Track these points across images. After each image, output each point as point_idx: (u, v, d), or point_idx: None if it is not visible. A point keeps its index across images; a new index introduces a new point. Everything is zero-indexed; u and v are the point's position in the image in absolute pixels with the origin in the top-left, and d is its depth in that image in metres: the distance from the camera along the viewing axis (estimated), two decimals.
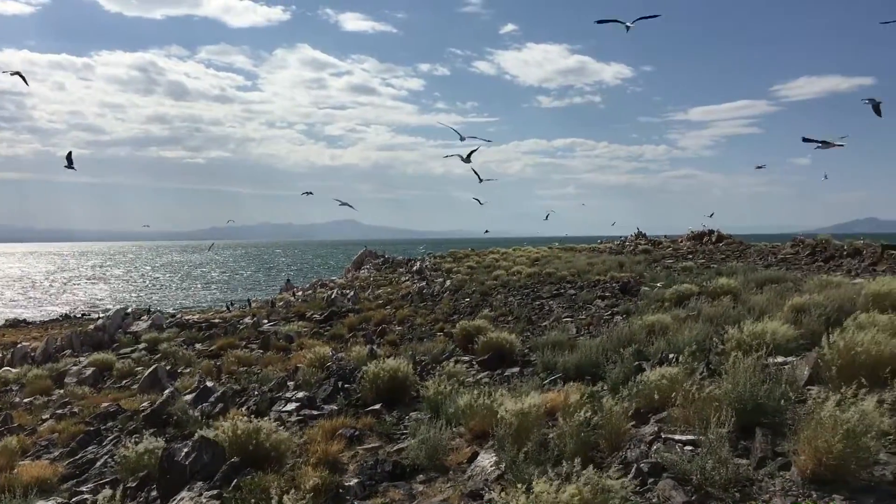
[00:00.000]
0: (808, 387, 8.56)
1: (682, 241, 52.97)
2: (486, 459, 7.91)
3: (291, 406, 12.89)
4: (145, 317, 33.35)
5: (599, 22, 17.11)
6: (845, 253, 32.37)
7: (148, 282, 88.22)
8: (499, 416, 8.06)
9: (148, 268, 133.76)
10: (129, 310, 35.22)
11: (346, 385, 14.05)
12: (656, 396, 8.32)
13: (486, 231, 60.63)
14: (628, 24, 16.06)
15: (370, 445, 9.97)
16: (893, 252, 29.98)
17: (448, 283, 35.68)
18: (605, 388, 10.68)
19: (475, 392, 9.65)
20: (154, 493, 9.06)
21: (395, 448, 9.67)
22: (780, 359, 9.81)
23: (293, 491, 6.71)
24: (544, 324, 21.97)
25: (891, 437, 6.37)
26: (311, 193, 30.13)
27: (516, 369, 14.91)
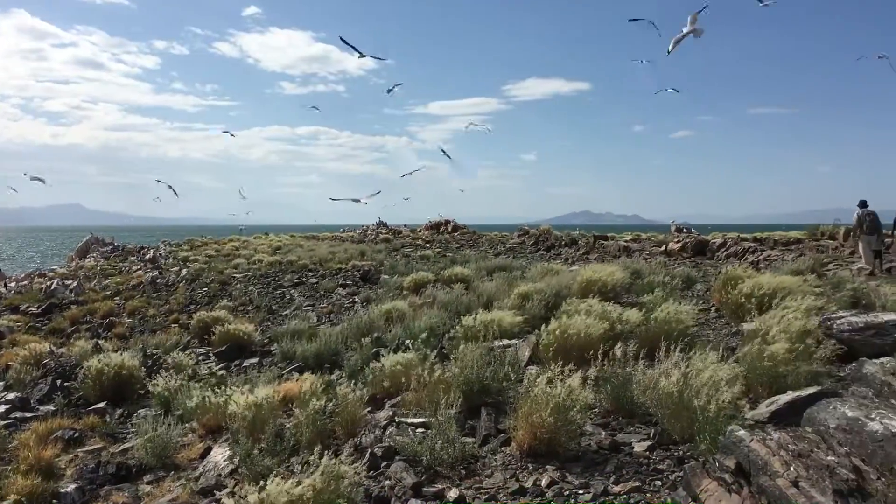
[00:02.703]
0: (529, 366, 9.28)
1: (421, 231, 54.90)
2: (220, 454, 7.68)
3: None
4: None
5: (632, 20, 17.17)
6: (564, 243, 35.49)
7: None
8: (231, 409, 7.83)
9: None
10: None
11: (66, 383, 12.96)
12: (388, 383, 8.58)
13: (247, 213, 58.28)
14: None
15: (92, 447, 9.27)
16: (604, 242, 33.40)
17: (184, 272, 34.08)
18: (344, 375, 10.82)
19: (209, 385, 9.34)
20: None
21: (120, 448, 9.08)
22: (505, 342, 10.52)
23: None
24: (285, 313, 21.75)
25: (595, 409, 7.09)
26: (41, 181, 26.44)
27: (255, 360, 14.64)
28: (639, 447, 6.13)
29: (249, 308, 23.37)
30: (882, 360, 6.99)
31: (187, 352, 15.31)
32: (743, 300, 11.00)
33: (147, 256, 45.23)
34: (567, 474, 5.68)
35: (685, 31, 10.88)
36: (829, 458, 4.16)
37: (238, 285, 28.81)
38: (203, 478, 7.36)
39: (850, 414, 4.46)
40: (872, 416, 4.37)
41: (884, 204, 20.87)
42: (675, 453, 5.93)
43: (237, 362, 14.68)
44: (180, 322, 21.84)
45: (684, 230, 34.71)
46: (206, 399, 8.88)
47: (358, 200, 21.23)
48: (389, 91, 23.89)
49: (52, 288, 31.14)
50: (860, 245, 18.17)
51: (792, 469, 4.13)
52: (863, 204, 18.14)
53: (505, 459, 6.18)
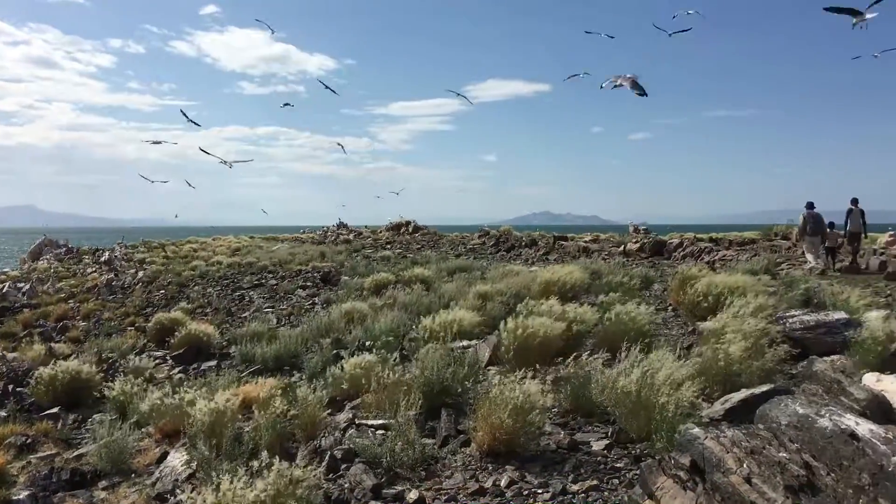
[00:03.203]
0: (489, 367, 9.33)
1: (381, 232, 54.75)
2: (177, 459, 7.58)
3: None
4: None
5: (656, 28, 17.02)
6: (524, 243, 35.66)
7: None
8: (190, 413, 7.74)
9: None
10: None
11: (18, 388, 12.71)
12: (348, 385, 8.55)
13: (176, 216, 57.68)
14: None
15: (46, 453, 9.10)
16: (563, 242, 33.67)
17: (141, 274, 33.59)
18: (304, 377, 10.76)
19: (166, 389, 9.22)
20: None
21: (74, 454, 8.92)
22: (465, 342, 10.56)
23: None
24: (244, 315, 21.53)
25: (555, 409, 7.15)
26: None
27: (214, 362, 14.46)
28: (597, 446, 6.19)
29: (208, 310, 23.12)
30: (833, 357, 7.18)
31: (144, 355, 15.10)
32: (700, 299, 11.19)
33: (102, 258, 44.47)
34: (526, 474, 5.73)
35: (624, 84, 10.84)
36: (780, 454, 4.24)
37: (196, 287, 28.47)
38: (160, 483, 7.27)
39: (800, 411, 4.55)
40: (822, 413, 4.47)
41: (835, 205, 21.48)
42: (633, 452, 6.01)
43: (195, 365, 14.51)
44: (137, 325, 21.52)
45: (642, 231, 35.13)
46: (163, 403, 8.77)
47: (226, 162, 21.32)
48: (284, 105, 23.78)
49: (4, 291, 30.48)
50: (805, 245, 18.86)
51: (745, 466, 4.21)
52: (809, 206, 18.87)
53: (465, 460, 6.20)
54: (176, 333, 16.08)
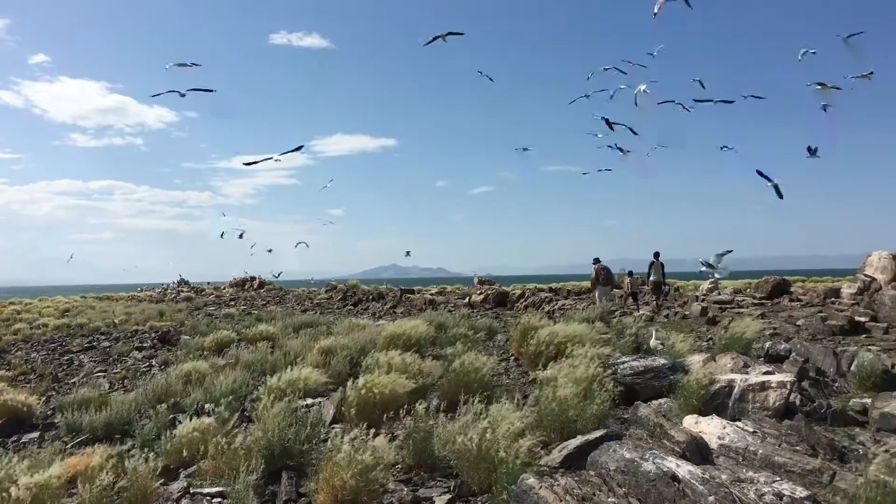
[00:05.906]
0: (333, 425, 9.18)
1: (225, 288, 53.17)
2: None
3: None
4: None
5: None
6: (371, 297, 35.67)
7: None
8: (6, 493, 7.10)
9: None
10: None
11: None
12: (185, 452, 8.15)
13: None
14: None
15: None
16: (410, 295, 33.96)
17: None
18: (136, 445, 10.16)
19: None
20: None
21: None
22: (309, 400, 10.35)
23: None
24: (73, 380, 20.13)
25: (398, 465, 7.12)
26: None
27: (36, 434, 13.37)
28: (440, 501, 6.20)
29: (31, 377, 21.45)
30: (659, 401, 7.59)
31: None
32: (542, 349, 11.54)
33: None
34: None
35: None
36: (609, 499, 4.43)
37: (18, 352, 26.41)
38: None
39: (627, 456, 4.78)
40: (646, 456, 4.71)
41: (644, 254, 23.69)
42: None
43: (14, 438, 13.36)
44: None
45: (486, 282, 36.01)
46: None
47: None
48: None
49: None
50: (597, 292, 21.32)
51: None
52: (596, 260, 22.17)
53: None
54: None
